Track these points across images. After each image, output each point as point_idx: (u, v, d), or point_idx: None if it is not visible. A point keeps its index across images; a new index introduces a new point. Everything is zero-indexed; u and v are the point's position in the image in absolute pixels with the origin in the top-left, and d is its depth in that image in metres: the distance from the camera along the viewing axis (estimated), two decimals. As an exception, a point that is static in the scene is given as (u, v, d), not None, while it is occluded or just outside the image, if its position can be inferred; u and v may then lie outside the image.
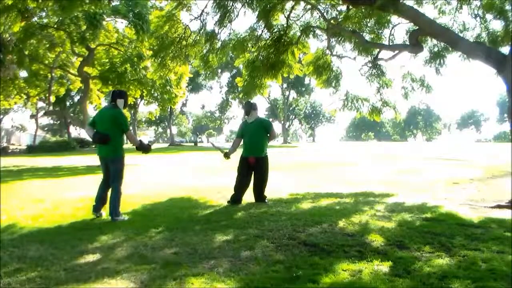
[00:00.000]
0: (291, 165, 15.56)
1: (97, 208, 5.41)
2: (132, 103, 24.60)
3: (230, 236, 4.38)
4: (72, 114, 37.14)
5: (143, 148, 5.67)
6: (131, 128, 5.37)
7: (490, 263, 3.40)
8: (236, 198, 6.49)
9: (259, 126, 6.68)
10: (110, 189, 5.32)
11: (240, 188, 6.57)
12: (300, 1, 9.49)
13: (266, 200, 6.58)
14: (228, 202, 6.48)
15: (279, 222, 5.02)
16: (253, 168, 6.57)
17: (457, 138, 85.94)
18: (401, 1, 7.33)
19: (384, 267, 3.34)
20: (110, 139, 5.16)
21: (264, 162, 6.63)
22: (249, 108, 6.86)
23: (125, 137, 5.53)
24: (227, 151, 6.90)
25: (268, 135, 6.72)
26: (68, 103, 43.26)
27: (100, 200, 5.40)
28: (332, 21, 9.34)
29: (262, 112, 67.73)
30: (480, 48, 7.36)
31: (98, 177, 12.43)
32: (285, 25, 9.90)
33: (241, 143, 6.79)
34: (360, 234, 4.41)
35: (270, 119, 73.24)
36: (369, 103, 10.35)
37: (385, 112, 10.56)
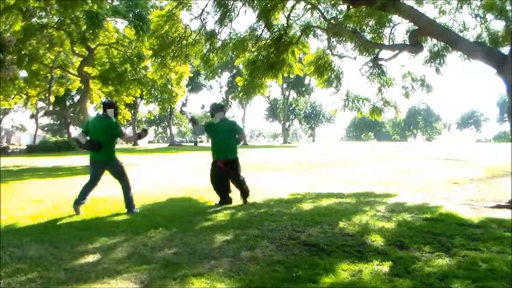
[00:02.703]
0: (291, 165, 15.56)
1: (77, 202, 5.72)
2: (132, 102, 24.56)
3: (230, 236, 4.38)
4: (72, 114, 37.12)
5: (142, 135, 6.72)
6: (124, 130, 5.96)
7: (490, 263, 3.40)
8: (223, 201, 6.38)
9: (228, 127, 6.45)
10: (121, 187, 5.91)
11: (220, 190, 6.41)
12: (301, 0, 9.49)
13: (247, 199, 6.45)
14: (216, 203, 6.37)
15: (279, 222, 5.02)
16: (226, 171, 6.34)
17: (457, 138, 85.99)
18: (401, 1, 7.33)
19: (384, 267, 3.34)
20: (102, 146, 5.67)
21: (236, 164, 6.40)
22: (215, 109, 6.61)
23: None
24: (197, 124, 6.76)
25: (237, 136, 6.46)
26: (68, 103, 43.23)
27: (82, 196, 5.77)
28: (332, 21, 9.34)
29: (262, 112, 67.53)
30: (480, 48, 7.36)
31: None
32: (285, 25, 9.90)
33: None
34: (360, 234, 4.41)
35: (270, 119, 73.70)
36: (370, 103, 10.34)
37: (386, 111, 10.56)
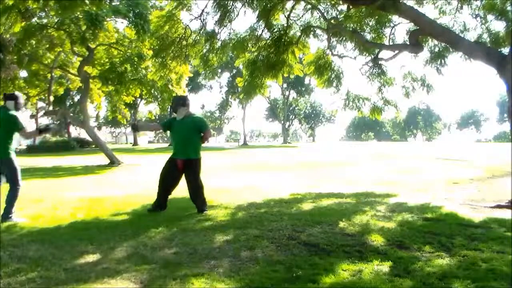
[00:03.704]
0: (291, 165, 15.57)
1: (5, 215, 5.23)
2: (131, 102, 24.56)
3: (230, 236, 4.38)
4: (72, 114, 37.11)
5: (43, 132, 6.16)
6: (24, 125, 5.31)
7: (490, 263, 3.40)
8: (158, 204, 5.79)
9: (191, 124, 5.83)
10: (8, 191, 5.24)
11: (162, 192, 5.80)
12: (301, 0, 9.49)
13: (206, 209, 5.76)
14: (149, 210, 5.75)
15: (279, 222, 5.02)
16: (183, 172, 5.77)
17: (457, 138, 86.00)
18: (401, 1, 7.33)
19: (384, 267, 3.34)
20: None
21: (195, 165, 5.78)
22: (177, 103, 6.00)
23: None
24: (140, 123, 6.32)
25: (202, 134, 5.85)
26: (68, 103, 43.23)
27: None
28: (332, 21, 9.34)
29: (262, 112, 67.51)
30: (480, 48, 7.36)
31: (98, 177, 12.46)
32: (285, 25, 9.90)
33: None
34: (360, 234, 4.41)
35: (270, 119, 73.70)
36: (370, 102, 10.35)
37: (386, 111, 10.56)
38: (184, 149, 5.76)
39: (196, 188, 5.80)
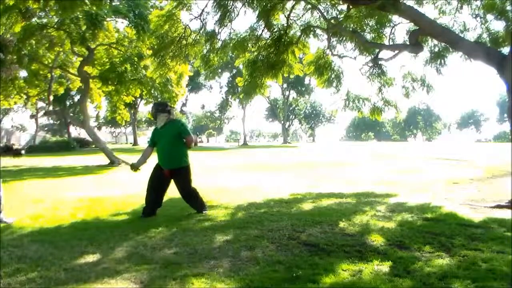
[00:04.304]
0: (291, 165, 15.57)
1: None
2: (131, 102, 24.58)
3: (230, 236, 4.38)
4: (72, 114, 37.12)
5: (8, 150, 5.44)
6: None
7: (490, 263, 3.40)
8: (148, 211, 5.55)
9: (172, 131, 5.51)
10: None
11: (151, 200, 5.59)
12: (301, 0, 9.48)
13: (206, 210, 5.66)
14: (141, 217, 5.50)
15: (279, 222, 5.03)
16: (171, 179, 5.58)
17: (457, 138, 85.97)
18: (401, 1, 7.32)
19: (384, 267, 3.34)
20: None
21: (184, 174, 5.56)
22: (156, 110, 5.64)
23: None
24: (135, 162, 5.79)
25: (184, 140, 5.52)
26: (68, 103, 43.25)
27: None
28: (332, 21, 9.33)
29: (262, 112, 67.28)
30: (480, 48, 7.35)
31: (98, 177, 12.44)
32: (285, 25, 9.89)
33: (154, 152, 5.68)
34: (360, 234, 4.41)
35: (270, 119, 73.73)
36: (370, 103, 10.34)
37: (386, 111, 10.55)
38: (168, 159, 5.49)
39: (187, 196, 5.65)
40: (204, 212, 5.64)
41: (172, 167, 5.49)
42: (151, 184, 5.61)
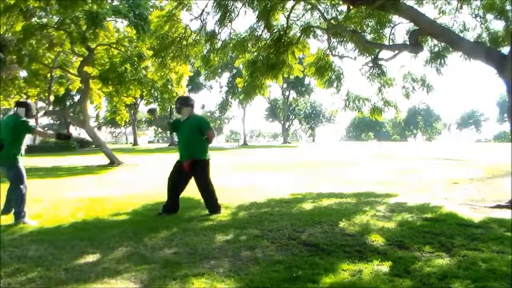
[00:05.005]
0: (291, 165, 15.57)
1: (4, 211, 5.46)
2: (131, 103, 24.58)
3: (230, 236, 4.38)
4: (72, 114, 37.11)
5: (62, 136, 6.34)
6: (37, 127, 5.41)
7: (490, 263, 3.40)
8: (169, 207, 5.65)
9: (193, 125, 5.69)
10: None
11: (171, 195, 5.70)
12: (301, 0, 9.48)
13: (219, 211, 5.67)
14: (160, 213, 5.59)
15: (279, 222, 5.03)
16: (191, 174, 5.66)
17: (457, 138, 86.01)
18: (401, 1, 7.32)
19: (384, 267, 3.34)
20: (3, 146, 5.08)
21: (202, 167, 5.64)
22: (180, 104, 5.84)
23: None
24: (156, 114, 6.31)
25: (205, 135, 5.66)
26: (68, 103, 43.26)
27: (7, 203, 5.52)
28: (332, 21, 9.33)
29: (262, 112, 67.25)
30: (480, 48, 7.35)
31: (98, 177, 12.44)
32: (285, 25, 9.89)
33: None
34: (360, 234, 4.41)
35: (270, 119, 73.73)
36: (370, 103, 10.34)
37: (386, 111, 10.54)
38: (188, 151, 5.64)
39: (204, 192, 5.69)
40: (217, 213, 5.61)
41: (192, 157, 5.57)
42: (172, 179, 5.73)
